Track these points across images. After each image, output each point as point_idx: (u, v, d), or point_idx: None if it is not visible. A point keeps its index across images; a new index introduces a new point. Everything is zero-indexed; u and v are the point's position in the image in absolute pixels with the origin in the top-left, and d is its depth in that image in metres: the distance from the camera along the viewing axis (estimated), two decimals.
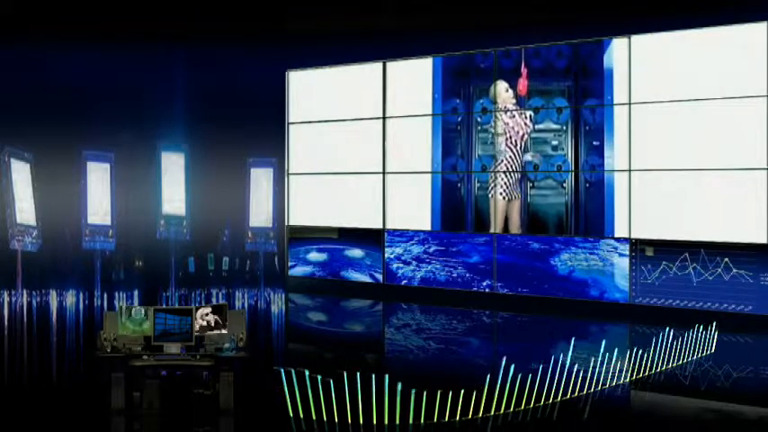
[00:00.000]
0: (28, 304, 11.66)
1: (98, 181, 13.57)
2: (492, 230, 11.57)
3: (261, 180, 13.85)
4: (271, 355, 8.99)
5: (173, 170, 13.73)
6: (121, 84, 12.82)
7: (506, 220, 11.52)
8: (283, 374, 6.25)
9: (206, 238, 13.72)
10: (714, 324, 8.77)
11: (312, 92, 13.11)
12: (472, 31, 11.61)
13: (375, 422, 6.02)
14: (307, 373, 6.17)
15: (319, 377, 6.15)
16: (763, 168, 9.73)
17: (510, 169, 11.40)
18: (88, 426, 6.27)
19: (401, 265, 12.35)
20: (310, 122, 13.11)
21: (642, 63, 10.44)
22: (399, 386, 5.99)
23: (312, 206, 13.13)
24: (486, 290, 11.68)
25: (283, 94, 13.31)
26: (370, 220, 12.58)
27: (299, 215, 13.27)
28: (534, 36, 11.11)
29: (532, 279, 11.34)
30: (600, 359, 7.42)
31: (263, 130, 13.24)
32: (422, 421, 6.04)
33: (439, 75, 11.89)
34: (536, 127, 11.20)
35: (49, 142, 12.75)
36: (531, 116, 11.18)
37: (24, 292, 12.26)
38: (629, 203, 10.58)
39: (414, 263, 12.24)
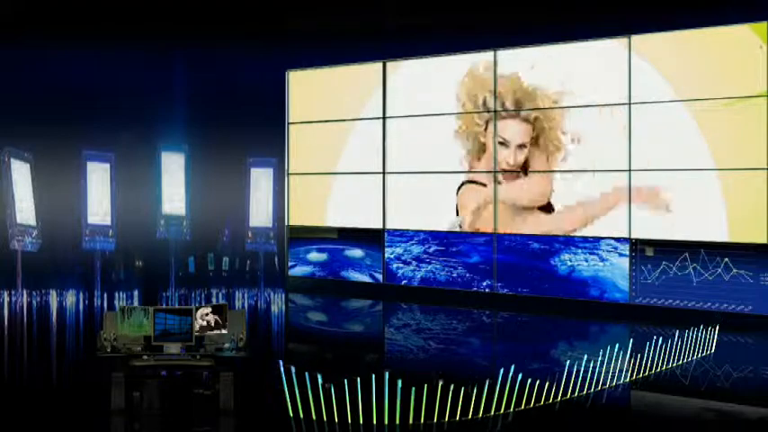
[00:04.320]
0: (28, 304, 11.66)
1: (98, 181, 13.57)
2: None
3: (261, 180, 13.85)
4: (271, 355, 8.99)
5: (173, 170, 13.74)
6: (121, 84, 12.81)
7: None
8: (283, 373, 6.25)
9: (206, 238, 13.73)
10: (715, 324, 8.78)
11: (312, 92, 13.12)
12: (472, 31, 11.62)
13: (375, 422, 6.02)
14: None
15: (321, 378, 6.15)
16: (764, 168, 9.74)
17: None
18: (88, 426, 6.27)
19: (401, 265, 12.35)
20: (310, 122, 13.12)
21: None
22: (399, 383, 5.99)
23: (312, 206, 13.15)
24: (486, 290, 11.68)
25: (283, 94, 13.32)
26: (370, 220, 12.60)
27: (299, 215, 13.28)
28: (534, 36, 11.12)
29: (532, 279, 11.34)
30: (600, 359, 7.42)
31: (263, 130, 13.24)
32: (422, 421, 6.04)
33: None
34: None
35: (49, 142, 12.74)
36: None
37: (24, 292, 12.26)
38: (629, 204, 10.58)
39: (414, 263, 12.24)
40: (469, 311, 11.26)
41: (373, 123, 12.48)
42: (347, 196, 12.78)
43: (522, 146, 11.29)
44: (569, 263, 11.06)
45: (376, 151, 12.47)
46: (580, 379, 6.93)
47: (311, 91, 13.14)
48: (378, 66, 12.45)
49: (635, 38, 10.49)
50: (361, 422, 6.04)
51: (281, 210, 13.54)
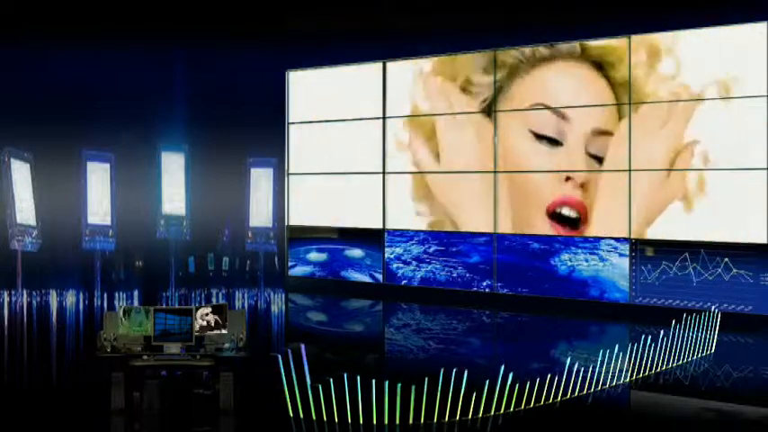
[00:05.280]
0: (28, 304, 11.66)
1: (98, 181, 13.57)
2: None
3: (261, 180, 13.85)
4: (270, 355, 8.99)
5: (173, 170, 13.73)
6: (121, 84, 12.81)
7: None
8: (281, 360, 6.25)
9: (206, 238, 13.73)
10: (715, 324, 8.79)
11: (312, 92, 13.13)
12: (472, 31, 11.61)
13: (375, 422, 6.02)
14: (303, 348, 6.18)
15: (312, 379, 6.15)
16: (763, 168, 9.75)
17: None
18: (88, 426, 6.27)
19: (401, 265, 12.35)
20: (310, 122, 13.13)
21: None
22: (399, 387, 5.99)
23: (312, 206, 13.15)
24: (486, 290, 11.68)
25: (283, 94, 13.32)
26: (370, 220, 12.60)
27: (299, 215, 13.28)
28: (534, 36, 11.13)
29: (532, 279, 11.34)
30: (600, 359, 7.42)
31: (263, 130, 13.24)
32: (421, 421, 6.04)
33: None
34: None
35: (49, 142, 12.74)
36: None
37: (24, 292, 12.26)
38: (629, 203, 10.58)
39: (414, 263, 12.24)
40: (469, 311, 11.26)
41: (373, 123, 12.49)
42: (347, 196, 12.80)
43: None
44: (569, 263, 11.06)
45: (376, 151, 12.49)
46: (580, 379, 6.93)
47: (311, 91, 13.15)
48: (378, 66, 12.46)
49: (635, 38, 10.50)
50: (361, 422, 6.04)
51: (281, 210, 13.54)
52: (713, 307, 9.24)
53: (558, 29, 10.93)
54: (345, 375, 6.10)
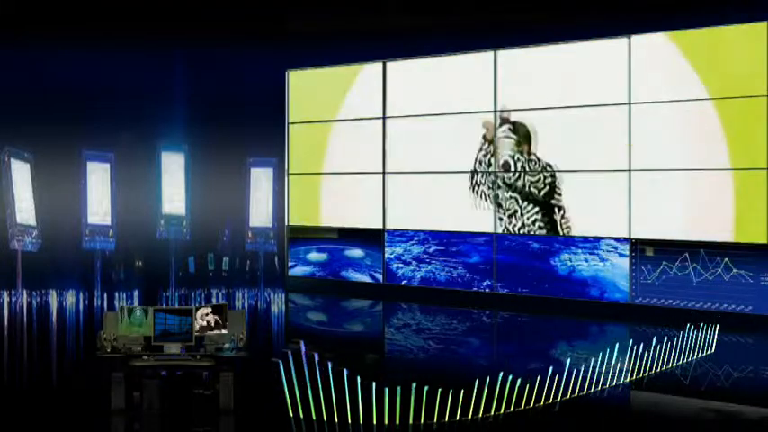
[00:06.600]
0: (28, 304, 11.66)
1: (98, 181, 13.56)
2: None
3: (261, 180, 13.85)
4: (271, 354, 8.99)
5: (173, 170, 13.72)
6: (121, 84, 12.80)
7: None
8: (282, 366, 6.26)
9: (206, 238, 13.72)
10: (715, 324, 8.79)
11: (312, 92, 13.13)
12: (472, 31, 11.62)
13: (375, 422, 6.02)
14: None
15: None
16: (763, 168, 9.75)
17: None
18: (88, 426, 6.28)
19: (401, 265, 12.35)
20: (310, 122, 13.13)
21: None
22: (399, 390, 5.99)
23: (312, 206, 13.16)
24: (486, 290, 11.68)
25: (283, 94, 13.32)
26: (370, 219, 12.60)
27: (300, 215, 13.29)
28: (534, 36, 11.13)
29: (532, 279, 11.34)
30: (600, 359, 7.42)
31: (263, 130, 13.24)
32: (422, 421, 6.04)
33: None
34: None
35: (49, 142, 12.73)
36: None
37: (24, 292, 12.25)
38: (629, 203, 10.58)
39: (414, 263, 12.24)
40: (469, 311, 11.25)
41: (373, 123, 12.50)
42: (347, 196, 12.80)
43: None
44: (569, 263, 11.05)
45: (375, 151, 12.49)
46: (580, 379, 6.93)
47: (311, 91, 13.15)
48: (378, 66, 12.46)
49: (635, 38, 10.51)
50: (361, 422, 6.04)
51: (281, 210, 13.54)
52: (713, 317, 9.21)
53: (558, 29, 10.93)
54: (345, 376, 6.11)
